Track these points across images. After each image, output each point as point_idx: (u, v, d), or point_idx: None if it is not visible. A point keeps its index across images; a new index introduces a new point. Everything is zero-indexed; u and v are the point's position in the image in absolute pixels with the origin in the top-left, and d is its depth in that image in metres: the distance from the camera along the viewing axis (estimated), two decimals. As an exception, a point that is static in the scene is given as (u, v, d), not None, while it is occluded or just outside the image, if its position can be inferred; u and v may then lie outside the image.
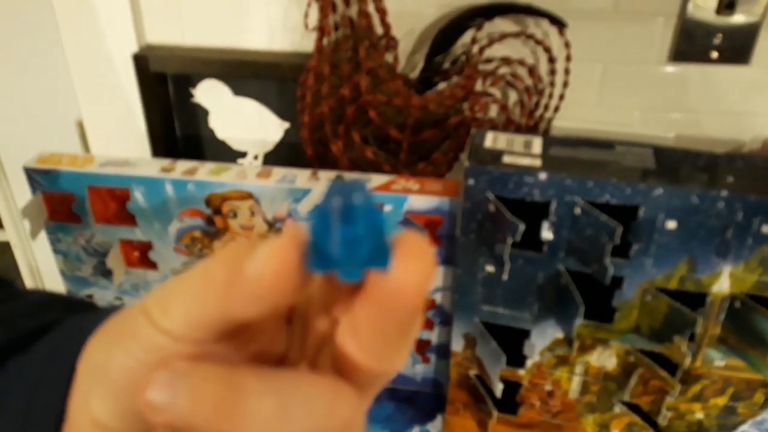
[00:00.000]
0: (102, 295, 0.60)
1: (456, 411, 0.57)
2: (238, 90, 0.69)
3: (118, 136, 0.74)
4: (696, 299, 0.45)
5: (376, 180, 0.51)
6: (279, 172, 0.52)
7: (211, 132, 0.72)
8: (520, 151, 0.47)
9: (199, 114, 0.72)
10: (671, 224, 0.44)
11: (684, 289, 0.45)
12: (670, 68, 0.62)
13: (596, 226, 0.44)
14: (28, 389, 0.21)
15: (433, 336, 0.57)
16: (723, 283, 0.44)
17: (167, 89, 0.71)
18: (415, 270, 0.16)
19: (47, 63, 0.75)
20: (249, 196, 0.51)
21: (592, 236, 0.45)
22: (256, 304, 0.17)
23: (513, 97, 0.64)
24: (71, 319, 0.24)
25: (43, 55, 0.75)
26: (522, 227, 0.44)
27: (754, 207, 0.41)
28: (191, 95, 0.70)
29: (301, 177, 0.51)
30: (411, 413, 0.59)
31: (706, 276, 0.45)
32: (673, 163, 0.45)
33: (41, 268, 0.82)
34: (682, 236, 0.44)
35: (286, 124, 0.70)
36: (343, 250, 0.16)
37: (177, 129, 0.74)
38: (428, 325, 0.57)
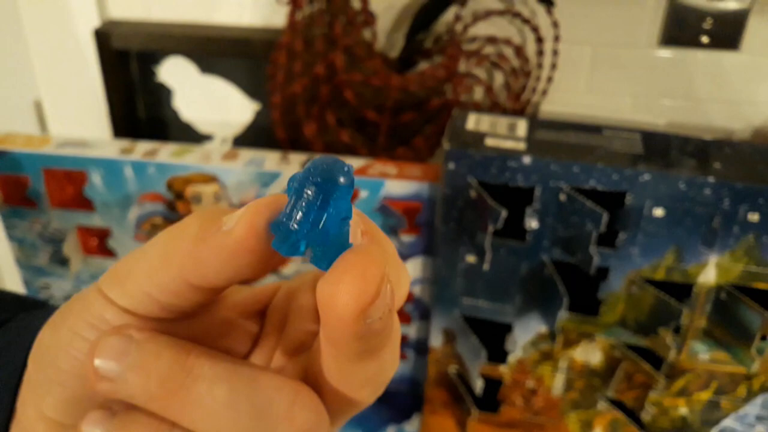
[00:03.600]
0: (59, 285, 0.60)
1: (434, 410, 0.58)
2: (206, 68, 0.70)
3: (77, 117, 0.74)
4: (682, 290, 0.47)
5: (351, 164, 0.52)
6: (246, 154, 0.53)
7: (176, 113, 0.73)
8: (504, 134, 0.48)
9: (163, 94, 0.72)
10: (658, 212, 0.45)
11: (671, 280, 0.47)
12: (661, 53, 0.63)
13: (582, 214, 0.46)
14: None
15: (411, 331, 0.58)
16: (709, 273, 0.46)
17: (129, 67, 0.71)
18: (345, 290, 0.16)
19: (3, 41, 0.75)
20: (214, 179, 0.52)
21: (578, 224, 0.46)
22: (221, 262, 0.18)
23: (499, 79, 0.65)
24: (22, 317, 0.25)
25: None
26: (504, 214, 0.45)
27: (741, 194, 0.43)
28: (155, 74, 0.71)
29: (270, 160, 0.52)
30: (386, 413, 0.60)
31: (692, 266, 0.46)
32: (662, 149, 0.47)
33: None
34: (669, 224, 0.45)
35: (257, 106, 0.70)
36: (308, 232, 0.17)
37: (140, 110, 0.74)
38: (406, 319, 0.58)
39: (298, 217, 0.17)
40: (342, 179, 0.17)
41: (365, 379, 0.19)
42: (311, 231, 0.17)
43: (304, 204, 0.17)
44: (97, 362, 0.18)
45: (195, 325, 0.21)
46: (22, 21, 0.70)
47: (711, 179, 0.43)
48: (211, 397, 0.18)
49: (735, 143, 0.48)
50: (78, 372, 0.19)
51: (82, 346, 0.19)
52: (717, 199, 0.44)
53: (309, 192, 0.17)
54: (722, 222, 0.44)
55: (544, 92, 0.64)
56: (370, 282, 0.16)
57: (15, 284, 0.73)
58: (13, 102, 0.79)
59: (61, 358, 0.20)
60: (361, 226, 0.18)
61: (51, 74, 0.73)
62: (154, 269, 0.19)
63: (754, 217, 0.44)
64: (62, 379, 0.20)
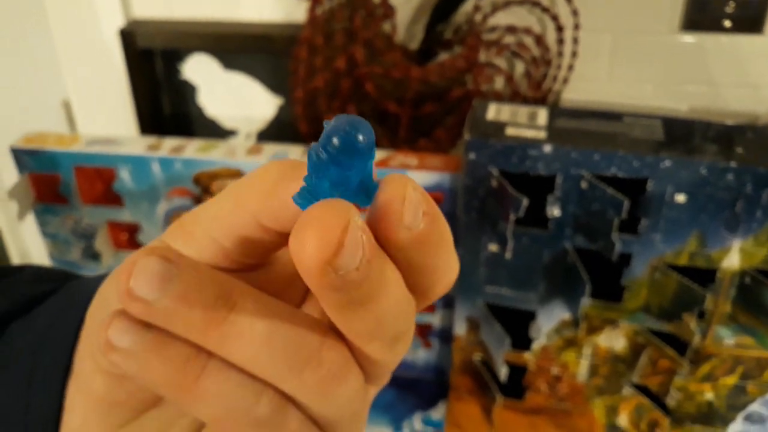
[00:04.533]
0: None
1: (459, 397, 0.59)
2: (228, 64, 0.71)
3: (105, 115, 0.76)
4: (706, 275, 0.47)
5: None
6: (270, 148, 0.54)
7: (200, 110, 0.74)
8: (525, 123, 0.49)
9: (188, 91, 0.73)
10: (680, 197, 0.45)
11: (694, 265, 0.47)
12: (683, 38, 0.63)
13: (603, 201, 0.46)
14: (34, 346, 0.23)
15: (435, 320, 0.59)
16: (733, 258, 0.46)
17: (154, 65, 0.73)
18: (307, 242, 0.16)
19: (31, 42, 0.77)
20: (239, 174, 0.53)
21: (600, 211, 0.47)
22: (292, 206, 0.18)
23: (519, 68, 0.65)
24: (75, 282, 0.26)
25: (27, 34, 0.77)
26: (525, 202, 0.46)
27: (764, 179, 0.43)
28: (179, 71, 0.72)
29: (293, 153, 0.53)
30: (413, 400, 0.61)
31: (716, 251, 0.46)
32: (683, 134, 0.47)
33: (31, 252, 0.84)
34: (691, 210, 0.45)
35: (280, 100, 0.71)
36: (327, 188, 0.17)
37: (165, 107, 0.75)
38: (430, 308, 0.59)
39: (310, 168, 0.17)
40: (361, 137, 0.17)
41: (367, 333, 0.19)
42: (315, 183, 0.17)
43: (314, 156, 0.17)
44: (133, 283, 0.17)
45: (250, 282, 0.21)
46: (50, 23, 0.71)
47: (733, 164, 0.44)
48: (250, 332, 0.18)
49: (758, 128, 0.48)
50: None
51: None
52: (739, 183, 0.44)
53: (326, 144, 0.17)
54: (745, 207, 0.44)
55: (565, 80, 0.64)
56: (331, 233, 0.16)
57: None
58: (43, 102, 0.81)
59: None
60: (423, 207, 0.18)
61: (78, 74, 0.75)
62: (225, 212, 0.19)
63: (777, 201, 0.44)
64: None
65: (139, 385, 0.21)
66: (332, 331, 0.20)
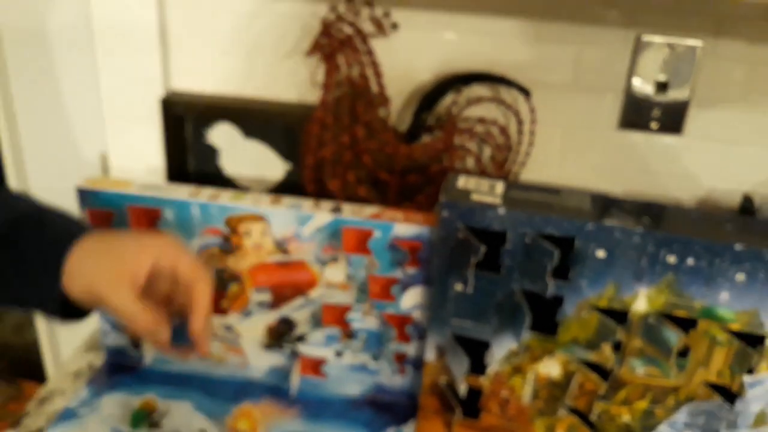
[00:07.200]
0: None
1: (426, 416, 0.71)
2: (248, 133, 0.86)
3: (137, 171, 0.90)
4: (621, 316, 0.62)
5: (368, 210, 0.68)
6: (288, 200, 0.69)
7: (220, 170, 0.89)
8: (486, 191, 0.64)
9: (210, 153, 0.88)
10: (601, 253, 0.60)
11: (612, 308, 0.62)
12: (619, 134, 0.80)
13: (542, 253, 0.61)
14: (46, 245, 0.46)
15: (410, 349, 0.73)
16: (641, 303, 0.61)
17: (184, 129, 0.88)
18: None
19: (82, 103, 0.92)
20: (261, 218, 0.67)
21: (539, 260, 0.61)
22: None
23: (487, 152, 0.82)
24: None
25: (76, 95, 0.93)
26: (483, 248, 0.61)
27: (661, 241, 0.58)
28: (205, 136, 0.87)
29: (305, 205, 0.68)
30: (387, 418, 0.74)
31: (628, 297, 0.61)
32: (604, 206, 0.63)
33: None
34: (609, 264, 0.61)
35: (288, 166, 0.86)
36: None
37: (190, 165, 0.90)
38: (406, 339, 0.72)
39: None
40: None
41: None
42: None
43: None
44: None
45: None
46: (101, 90, 0.86)
47: (639, 229, 0.59)
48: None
49: (662, 205, 0.64)
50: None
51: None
52: (644, 244, 0.59)
53: None
54: (648, 263, 0.60)
55: (523, 163, 0.81)
56: None
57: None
58: (83, 154, 0.95)
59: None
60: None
61: (119, 134, 0.89)
62: None
63: (671, 259, 0.59)
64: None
65: None
66: None
